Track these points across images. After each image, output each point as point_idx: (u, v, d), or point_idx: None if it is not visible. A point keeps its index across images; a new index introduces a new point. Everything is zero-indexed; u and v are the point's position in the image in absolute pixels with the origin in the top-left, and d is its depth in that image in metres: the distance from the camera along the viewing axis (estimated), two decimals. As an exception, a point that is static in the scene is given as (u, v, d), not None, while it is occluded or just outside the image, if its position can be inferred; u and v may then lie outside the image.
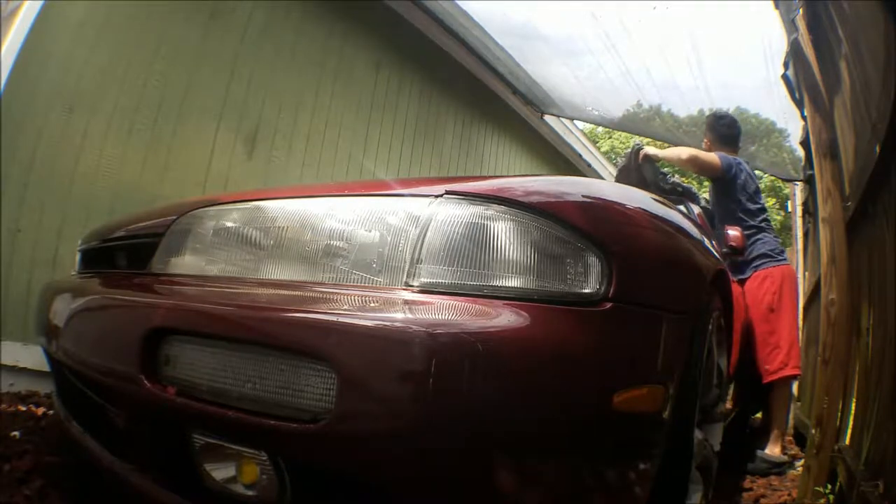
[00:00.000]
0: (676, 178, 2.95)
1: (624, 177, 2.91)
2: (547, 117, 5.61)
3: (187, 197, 1.88)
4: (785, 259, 2.75)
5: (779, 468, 2.40)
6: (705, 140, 2.96)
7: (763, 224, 2.75)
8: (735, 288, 1.93)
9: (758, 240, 2.69)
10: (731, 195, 2.71)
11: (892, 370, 1.37)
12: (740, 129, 2.96)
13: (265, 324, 0.77)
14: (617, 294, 0.82)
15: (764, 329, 2.57)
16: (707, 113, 5.23)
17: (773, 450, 2.48)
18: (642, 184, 2.77)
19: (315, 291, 0.85)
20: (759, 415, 3.15)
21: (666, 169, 2.98)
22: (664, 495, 0.98)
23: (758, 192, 2.79)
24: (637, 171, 2.82)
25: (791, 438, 3.31)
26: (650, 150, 2.84)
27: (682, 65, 3.63)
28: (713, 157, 2.73)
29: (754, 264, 2.69)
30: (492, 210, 0.83)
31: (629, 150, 2.94)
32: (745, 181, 2.72)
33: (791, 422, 3.60)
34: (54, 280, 1.71)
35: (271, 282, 0.92)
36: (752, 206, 2.72)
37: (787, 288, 2.64)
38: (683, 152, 2.80)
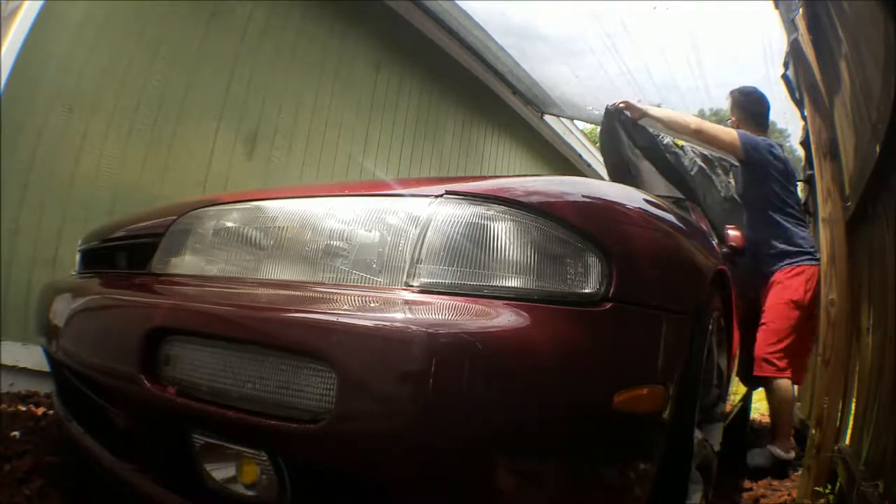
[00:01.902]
0: (669, 140, 2.65)
1: (608, 145, 2.62)
2: (547, 117, 5.61)
3: (187, 197, 1.88)
4: (817, 259, 2.42)
5: (785, 465, 2.28)
6: (732, 119, 2.66)
7: (801, 216, 2.47)
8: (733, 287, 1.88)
9: (795, 233, 2.41)
10: (765, 182, 2.40)
11: (892, 370, 1.37)
12: (769, 105, 2.63)
13: (265, 324, 0.77)
14: (617, 294, 0.82)
15: (782, 321, 2.32)
16: (707, 113, 5.21)
17: (784, 446, 2.33)
18: (629, 149, 2.53)
19: (315, 291, 0.85)
20: (755, 414, 3.12)
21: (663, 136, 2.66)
22: (664, 495, 0.98)
23: (792, 179, 2.46)
24: (622, 133, 2.53)
25: (791, 438, 3.30)
26: (635, 103, 2.52)
27: (682, 65, 3.63)
28: (731, 132, 2.41)
29: (792, 259, 2.39)
30: (492, 210, 0.83)
31: (607, 109, 2.62)
32: (779, 166, 2.41)
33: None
34: (54, 280, 1.71)
35: (271, 282, 0.92)
36: (790, 195, 2.42)
37: (814, 290, 2.35)
38: (692, 121, 2.47)
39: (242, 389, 0.74)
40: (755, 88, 2.66)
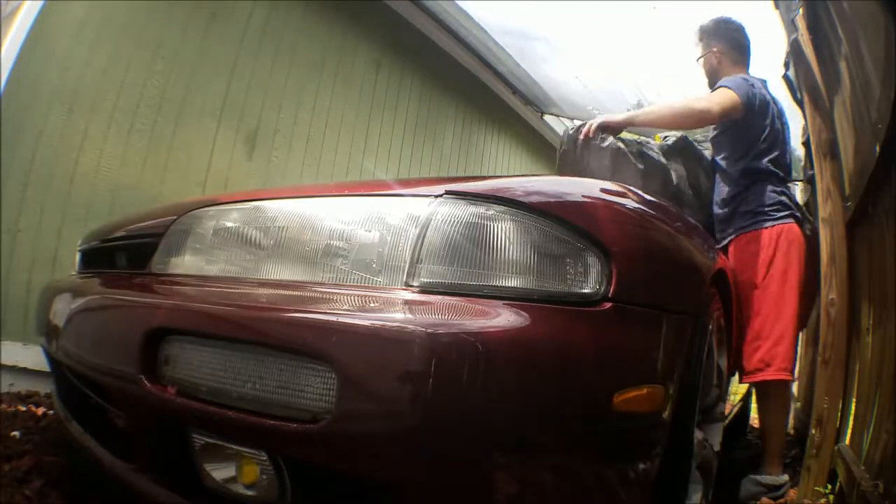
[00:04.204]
0: (653, 143, 2.12)
1: (569, 162, 2.07)
2: (547, 117, 5.61)
3: (187, 197, 1.88)
4: (786, 216, 1.97)
5: (777, 490, 1.87)
6: (714, 51, 2.18)
7: (766, 167, 2.00)
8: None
9: (748, 191, 2.00)
10: (747, 135, 1.98)
11: (892, 370, 1.37)
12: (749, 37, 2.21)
13: (265, 324, 0.77)
14: (617, 294, 0.82)
15: (744, 313, 1.92)
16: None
17: (770, 470, 1.91)
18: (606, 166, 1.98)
19: (315, 291, 0.85)
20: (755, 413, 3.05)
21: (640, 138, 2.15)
22: (664, 495, 0.98)
23: (768, 118, 1.99)
24: (591, 153, 2.01)
25: (781, 459, 3.06)
26: (608, 118, 2.01)
27: (682, 64, 3.63)
28: (727, 95, 1.93)
29: (737, 224, 2.00)
30: (492, 210, 0.83)
31: (569, 131, 2.11)
32: (764, 107, 1.99)
33: (791, 422, 3.57)
34: (54, 280, 1.71)
35: (271, 282, 0.92)
36: (760, 144, 2.00)
37: (782, 257, 1.91)
38: (677, 106, 1.97)
39: (242, 389, 0.74)
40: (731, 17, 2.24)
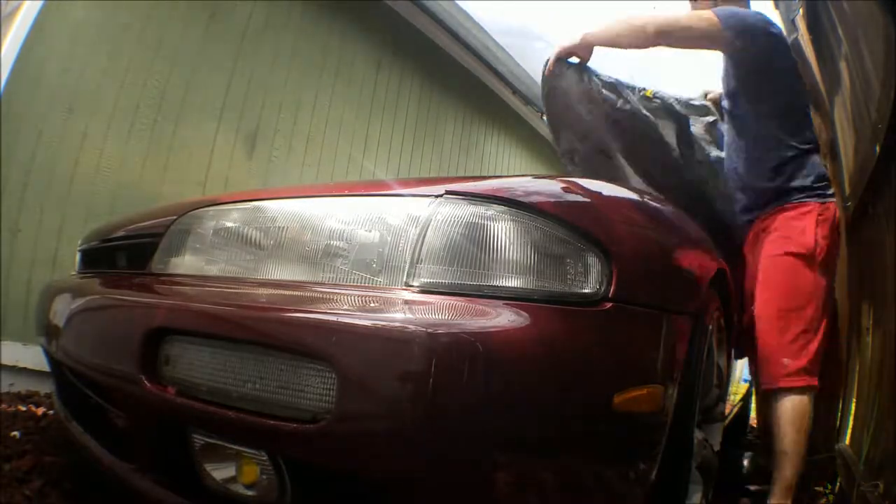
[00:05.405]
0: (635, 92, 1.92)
1: (554, 106, 1.97)
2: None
3: (187, 197, 1.88)
4: (831, 195, 1.63)
5: None
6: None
7: (813, 136, 1.68)
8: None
9: (803, 161, 1.62)
10: (764, 79, 1.61)
11: (892, 370, 1.37)
12: None
13: (265, 324, 0.77)
14: (617, 294, 0.82)
15: (789, 291, 1.55)
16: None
17: (778, 500, 1.51)
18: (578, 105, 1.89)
19: (315, 291, 0.85)
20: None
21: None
22: (664, 495, 0.98)
23: (796, 72, 1.69)
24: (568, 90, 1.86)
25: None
26: (565, 44, 1.80)
27: (681, 64, 3.64)
28: (705, 16, 1.61)
29: (787, 198, 1.61)
30: (492, 210, 0.83)
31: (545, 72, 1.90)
32: (784, 51, 1.66)
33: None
34: (54, 280, 1.71)
35: (271, 282, 0.92)
36: (798, 97, 1.69)
37: (837, 242, 1.61)
38: (649, 24, 1.65)
39: (242, 389, 0.74)
40: None
